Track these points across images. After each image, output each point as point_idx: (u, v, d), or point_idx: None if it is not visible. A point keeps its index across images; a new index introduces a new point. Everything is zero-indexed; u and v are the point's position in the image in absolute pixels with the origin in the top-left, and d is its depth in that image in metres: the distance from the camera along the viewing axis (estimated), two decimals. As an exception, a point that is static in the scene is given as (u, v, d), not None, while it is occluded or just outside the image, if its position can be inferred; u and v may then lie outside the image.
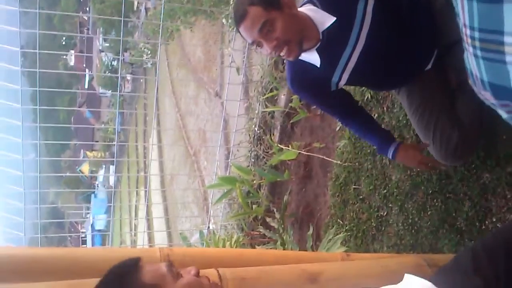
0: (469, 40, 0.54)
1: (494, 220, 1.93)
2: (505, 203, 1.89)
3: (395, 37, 1.71)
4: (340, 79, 1.79)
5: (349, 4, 1.64)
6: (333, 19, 1.65)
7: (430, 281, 1.11)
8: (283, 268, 1.54)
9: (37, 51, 3.45)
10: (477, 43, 0.53)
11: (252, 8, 1.58)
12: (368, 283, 1.43)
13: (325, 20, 1.66)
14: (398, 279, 1.18)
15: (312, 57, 1.75)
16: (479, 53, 0.54)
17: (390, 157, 1.93)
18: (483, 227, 1.98)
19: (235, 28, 3.92)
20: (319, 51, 1.72)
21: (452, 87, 1.92)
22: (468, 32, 0.53)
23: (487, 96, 0.61)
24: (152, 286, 1.00)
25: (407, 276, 1.17)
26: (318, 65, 1.75)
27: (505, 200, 1.89)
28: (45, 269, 1.44)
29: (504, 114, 0.62)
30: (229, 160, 3.79)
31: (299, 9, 1.70)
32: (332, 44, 1.69)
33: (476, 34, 0.52)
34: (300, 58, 1.75)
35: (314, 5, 1.68)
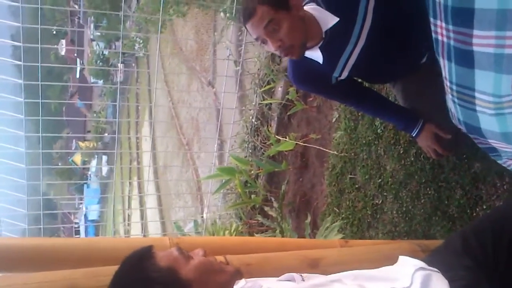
0: (449, 90, 0.66)
1: (484, 207, 2.03)
2: (495, 191, 1.99)
3: (394, 34, 1.78)
4: (340, 75, 1.87)
5: (351, 3, 1.69)
6: (336, 19, 1.71)
7: (423, 261, 1.19)
8: (286, 254, 1.63)
9: (39, 45, 3.46)
10: (454, 93, 0.65)
11: (260, 6, 1.63)
12: (366, 267, 1.52)
13: (328, 20, 1.72)
14: (393, 263, 1.27)
15: (315, 54, 1.82)
16: (456, 100, 0.66)
17: (414, 135, 1.95)
18: (474, 214, 2.07)
19: (233, 22, 3.99)
20: (322, 49, 1.79)
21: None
22: (448, 83, 0.64)
23: (462, 129, 0.73)
24: (168, 269, 1.09)
25: (401, 258, 1.26)
26: (321, 62, 1.82)
27: (494, 188, 1.99)
28: (62, 258, 1.51)
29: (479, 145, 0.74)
30: (228, 151, 3.86)
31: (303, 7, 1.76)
32: (334, 42, 1.76)
33: (454, 87, 0.64)
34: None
35: (318, 4, 1.74)
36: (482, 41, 0.57)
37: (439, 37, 0.65)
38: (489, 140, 0.68)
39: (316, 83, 1.94)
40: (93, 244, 1.69)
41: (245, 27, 1.73)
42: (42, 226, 3.46)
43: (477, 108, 0.64)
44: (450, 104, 0.70)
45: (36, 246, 1.54)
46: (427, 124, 1.91)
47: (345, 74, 1.86)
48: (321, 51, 1.79)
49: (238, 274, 1.21)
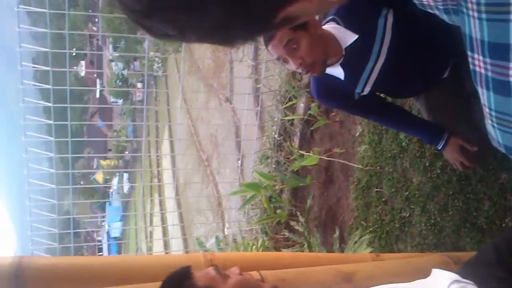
0: (488, 116, 0.72)
1: (513, 218, 2.03)
2: (523, 202, 1.99)
3: (414, 50, 1.81)
4: (362, 91, 1.90)
5: (370, 21, 1.74)
6: (355, 36, 1.76)
7: (457, 274, 1.21)
8: (319, 269, 1.65)
9: (67, 69, 3.56)
10: (494, 119, 0.71)
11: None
12: (399, 281, 1.53)
13: (347, 37, 1.77)
14: (426, 276, 1.28)
15: (336, 71, 1.86)
16: (495, 125, 0.72)
17: (440, 148, 1.95)
18: (503, 224, 2.07)
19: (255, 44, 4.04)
20: (342, 66, 1.83)
21: (468, 94, 2.01)
22: (487, 110, 0.71)
23: (502, 150, 0.79)
24: None
25: (434, 271, 1.27)
26: (342, 78, 1.87)
27: (523, 199, 1.99)
28: (99, 276, 1.56)
29: None
30: (251, 167, 3.90)
31: (322, 27, 1.81)
32: (355, 59, 1.80)
33: (493, 113, 0.70)
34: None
35: (337, 23, 1.80)
36: None
37: (477, 69, 0.70)
38: None
39: (340, 99, 1.97)
40: (129, 261, 1.74)
41: (267, 49, 1.79)
42: (72, 245, 3.53)
43: None
44: (489, 128, 0.75)
45: (73, 265, 1.59)
46: (453, 137, 1.92)
47: (367, 89, 1.89)
48: (342, 68, 1.83)
49: None
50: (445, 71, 1.94)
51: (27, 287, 1.44)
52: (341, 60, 1.82)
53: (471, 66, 0.73)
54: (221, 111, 8.38)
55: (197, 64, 11.14)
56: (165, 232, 10.76)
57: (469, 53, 0.71)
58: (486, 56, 0.67)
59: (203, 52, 10.14)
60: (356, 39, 1.77)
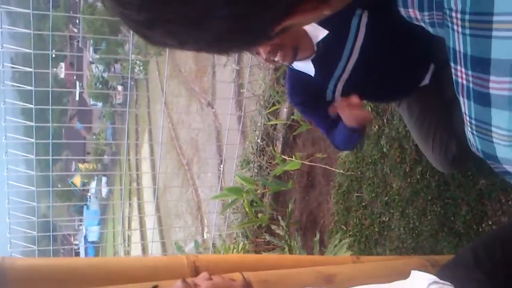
0: (468, 123, 0.77)
1: (490, 223, 2.08)
2: (500, 207, 2.04)
3: (389, 51, 1.82)
4: (335, 90, 1.88)
5: (344, 20, 1.75)
6: (326, 32, 1.77)
7: (435, 276, 1.24)
8: (301, 270, 1.68)
9: (50, 71, 3.53)
10: (473, 127, 0.76)
11: None
12: (378, 282, 1.56)
13: (318, 32, 1.79)
14: (405, 278, 1.31)
15: (307, 67, 1.86)
16: (474, 132, 0.78)
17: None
18: (480, 229, 2.12)
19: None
20: (314, 62, 1.83)
21: (448, 101, 2.06)
22: (468, 118, 0.76)
23: (480, 156, 0.84)
24: None
25: (413, 273, 1.30)
26: (313, 75, 1.86)
27: (499, 204, 2.04)
28: (83, 277, 1.56)
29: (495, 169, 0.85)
30: (233, 171, 3.91)
31: None
32: (326, 55, 1.80)
33: (473, 121, 0.75)
34: (296, 68, 1.87)
35: None
36: (498, 85, 0.68)
37: (459, 80, 0.75)
38: (504, 166, 0.79)
39: (310, 96, 1.93)
40: (112, 263, 1.73)
41: None
42: (51, 248, 3.48)
43: (494, 140, 0.75)
44: (469, 135, 0.80)
45: (56, 266, 1.59)
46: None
47: (339, 89, 1.87)
48: (313, 64, 1.83)
49: (247, 286, 1.24)
50: (424, 76, 1.97)
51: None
52: (313, 56, 1.82)
53: (453, 77, 0.77)
54: (202, 115, 8.37)
55: (179, 68, 11.13)
56: (143, 236, 10.68)
57: (452, 64, 0.75)
58: (469, 68, 0.71)
59: (185, 56, 10.12)
60: (329, 36, 1.77)
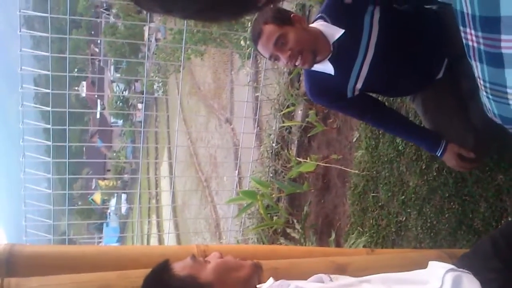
0: (483, 88, 0.75)
1: (510, 219, 2.02)
2: (520, 202, 1.99)
3: (404, 47, 1.85)
4: (355, 86, 1.92)
5: (356, 17, 1.80)
6: (342, 31, 1.81)
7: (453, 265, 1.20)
8: (313, 260, 1.65)
9: (66, 92, 3.59)
10: (488, 90, 0.74)
11: (266, 26, 1.78)
12: (394, 272, 1.52)
13: (334, 32, 1.83)
14: (421, 268, 1.27)
15: (327, 67, 1.90)
16: (490, 96, 0.75)
17: (439, 155, 1.96)
18: (499, 226, 2.06)
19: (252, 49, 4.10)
20: (331, 61, 1.87)
21: (464, 94, 2.03)
22: (482, 82, 0.73)
23: (497, 121, 0.81)
24: (187, 276, 1.14)
25: (431, 263, 1.27)
26: (333, 73, 1.89)
27: (519, 199, 1.99)
28: (93, 263, 1.56)
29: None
30: (248, 175, 3.90)
31: (311, 25, 1.88)
32: (343, 54, 1.85)
33: (487, 85, 0.73)
34: (315, 69, 1.90)
35: (325, 20, 1.86)
36: (510, 44, 0.66)
37: (470, 43, 0.73)
38: None
39: (332, 96, 1.99)
40: (122, 251, 1.73)
41: (257, 50, 1.85)
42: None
43: (510, 102, 0.72)
44: (484, 100, 0.78)
45: (66, 253, 1.60)
46: (450, 144, 1.93)
47: (359, 85, 1.91)
48: (331, 63, 1.87)
49: (257, 267, 1.24)
50: (439, 70, 1.96)
51: (18, 273, 1.43)
52: (330, 55, 1.86)
53: (464, 41, 0.75)
54: (220, 132, 8.43)
55: (198, 86, 11.26)
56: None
57: (461, 28, 0.73)
58: (478, 30, 0.69)
59: (204, 73, 10.25)
60: (344, 35, 1.81)
